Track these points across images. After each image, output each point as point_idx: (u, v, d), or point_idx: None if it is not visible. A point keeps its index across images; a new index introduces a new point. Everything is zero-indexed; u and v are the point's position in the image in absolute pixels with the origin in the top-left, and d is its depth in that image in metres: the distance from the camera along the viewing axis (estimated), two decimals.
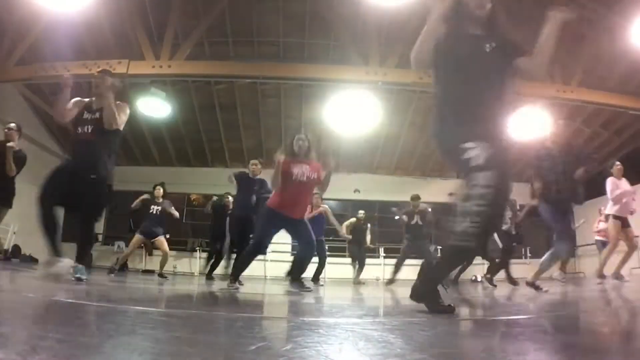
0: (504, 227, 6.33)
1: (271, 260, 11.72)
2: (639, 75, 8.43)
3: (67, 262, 3.35)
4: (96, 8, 7.27)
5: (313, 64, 8.51)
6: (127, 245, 11.80)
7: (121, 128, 3.60)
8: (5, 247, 7.05)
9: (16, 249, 9.35)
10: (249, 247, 3.93)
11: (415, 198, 7.25)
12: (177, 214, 6.90)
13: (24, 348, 0.85)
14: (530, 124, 8.15)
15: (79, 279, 3.37)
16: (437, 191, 10.94)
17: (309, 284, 5.02)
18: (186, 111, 10.76)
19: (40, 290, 2.52)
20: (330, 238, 11.79)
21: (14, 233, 8.95)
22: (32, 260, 9.24)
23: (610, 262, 5.77)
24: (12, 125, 4.79)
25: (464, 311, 2.26)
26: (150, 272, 9.93)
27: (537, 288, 4.30)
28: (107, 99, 3.47)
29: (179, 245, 12.12)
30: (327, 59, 9.09)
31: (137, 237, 6.62)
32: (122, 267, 6.96)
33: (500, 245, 6.33)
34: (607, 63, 8.50)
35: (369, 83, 7.89)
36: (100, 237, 12.21)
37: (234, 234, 5.97)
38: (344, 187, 11.38)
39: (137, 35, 7.77)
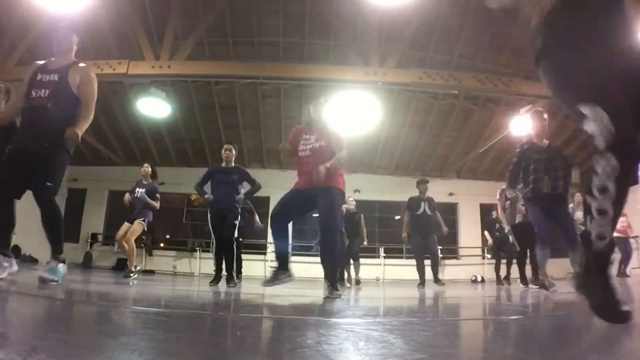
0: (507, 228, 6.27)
1: (271, 260, 11.72)
2: None
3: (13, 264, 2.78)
4: (96, 8, 7.26)
5: (313, 64, 8.51)
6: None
7: (95, 97, 3.03)
8: None
9: (16, 249, 9.34)
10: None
11: (423, 182, 6.83)
12: (154, 203, 5.61)
13: (24, 348, 0.84)
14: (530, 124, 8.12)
15: (47, 280, 2.62)
16: (437, 191, 10.94)
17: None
18: (186, 111, 10.75)
19: (40, 290, 2.51)
20: None
21: (14, 233, 8.93)
22: (32, 260, 9.24)
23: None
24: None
25: (464, 311, 2.25)
26: (150, 272, 9.94)
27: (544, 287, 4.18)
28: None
29: (179, 245, 12.11)
30: (327, 59, 9.09)
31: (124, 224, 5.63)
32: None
33: (518, 246, 5.91)
34: None
35: (369, 83, 7.89)
36: (99, 238, 12.20)
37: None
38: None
39: (137, 35, 7.77)
